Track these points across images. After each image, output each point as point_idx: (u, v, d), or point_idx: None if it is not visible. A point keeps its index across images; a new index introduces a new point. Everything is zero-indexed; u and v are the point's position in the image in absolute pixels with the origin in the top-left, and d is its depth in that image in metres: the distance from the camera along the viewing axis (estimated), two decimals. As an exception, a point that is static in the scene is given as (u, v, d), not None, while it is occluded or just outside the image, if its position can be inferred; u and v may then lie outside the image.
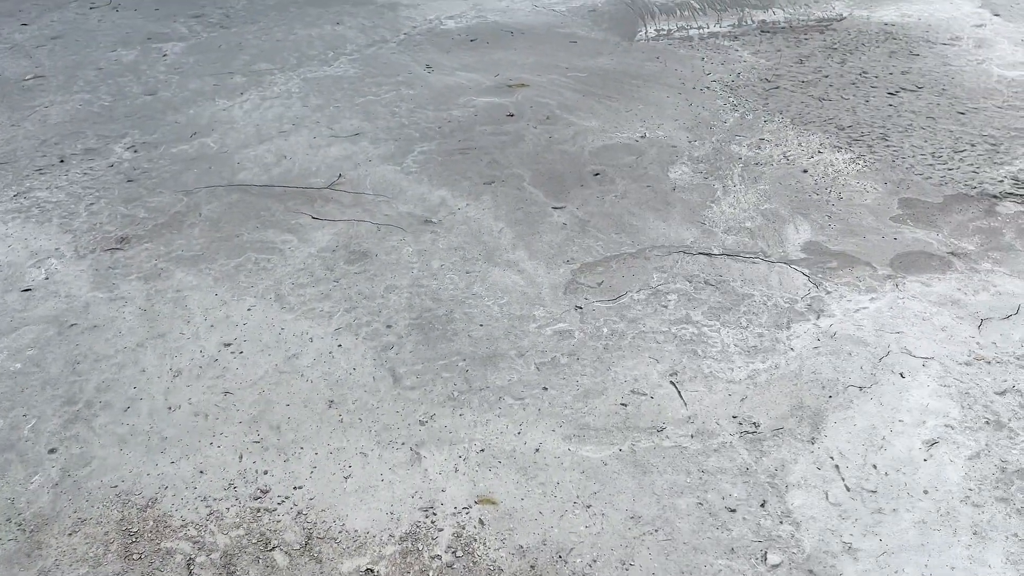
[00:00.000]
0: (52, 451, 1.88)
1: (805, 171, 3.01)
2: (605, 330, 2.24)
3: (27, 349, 2.18)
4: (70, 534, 1.69)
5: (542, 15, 4.54)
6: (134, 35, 4.28)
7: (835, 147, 3.17)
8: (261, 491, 1.78)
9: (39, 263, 2.53)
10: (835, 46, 4.15)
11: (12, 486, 1.79)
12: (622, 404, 2.00)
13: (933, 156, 3.08)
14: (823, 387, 2.04)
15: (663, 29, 4.32)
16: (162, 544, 1.66)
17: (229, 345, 2.19)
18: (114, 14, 4.56)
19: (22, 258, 2.55)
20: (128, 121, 3.40)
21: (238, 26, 4.40)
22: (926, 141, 3.19)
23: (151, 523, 1.71)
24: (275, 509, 1.74)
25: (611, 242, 2.62)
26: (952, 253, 2.54)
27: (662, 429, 1.93)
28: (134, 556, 1.64)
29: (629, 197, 2.85)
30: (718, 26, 4.36)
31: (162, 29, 4.37)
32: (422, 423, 1.95)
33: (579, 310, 2.32)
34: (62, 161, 3.10)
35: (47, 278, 2.46)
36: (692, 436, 1.91)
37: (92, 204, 2.83)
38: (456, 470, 1.83)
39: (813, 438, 1.90)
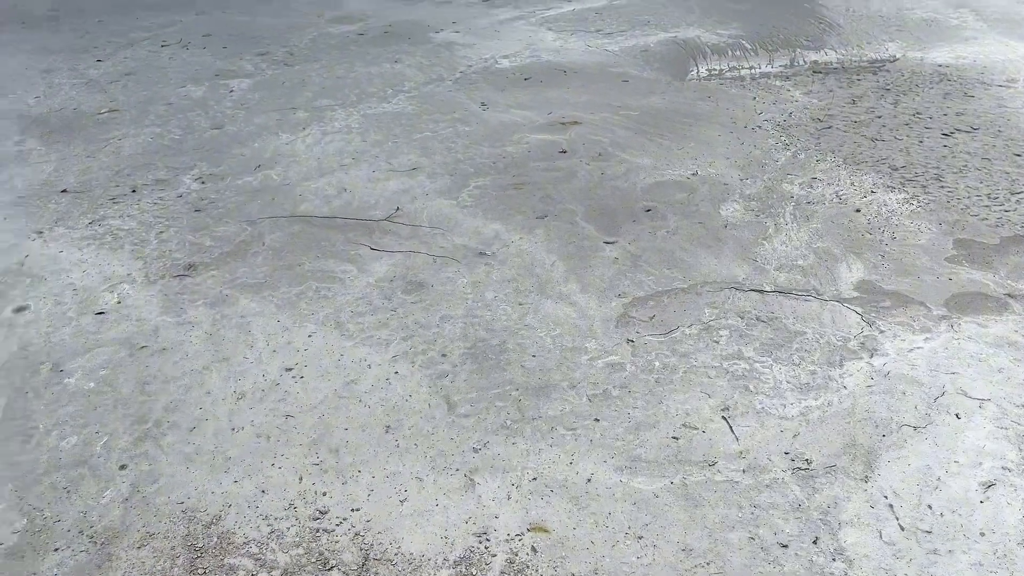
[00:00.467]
0: (123, 467, 1.96)
1: (858, 210, 3.01)
2: (657, 364, 2.27)
3: (100, 369, 2.28)
4: (139, 547, 1.76)
5: (595, 55, 4.63)
6: (203, 72, 4.47)
7: (888, 187, 3.17)
8: (320, 512, 1.84)
9: (112, 288, 2.64)
10: (888, 87, 4.16)
11: (85, 500, 1.87)
12: (674, 437, 2.02)
13: (989, 197, 3.06)
14: (876, 426, 2.04)
15: (714, 69, 4.37)
16: (225, 560, 1.72)
17: (290, 370, 2.27)
18: (184, 52, 4.77)
19: (96, 282, 2.67)
20: (196, 154, 3.55)
21: (301, 64, 4.56)
22: (981, 182, 3.17)
23: (215, 539, 1.77)
24: (333, 530, 1.79)
25: (662, 277, 2.65)
26: (1009, 295, 2.52)
27: (714, 463, 1.94)
28: (199, 571, 1.70)
29: (680, 233, 2.89)
30: (770, 66, 4.40)
31: (229, 66, 4.55)
32: (476, 450, 2.00)
33: (631, 343, 2.35)
34: (134, 191, 3.24)
35: (119, 302, 2.57)
36: (744, 471, 1.92)
37: (162, 232, 2.95)
38: (509, 497, 1.86)
39: (866, 476, 1.90)
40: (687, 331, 2.40)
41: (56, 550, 1.75)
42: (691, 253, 2.77)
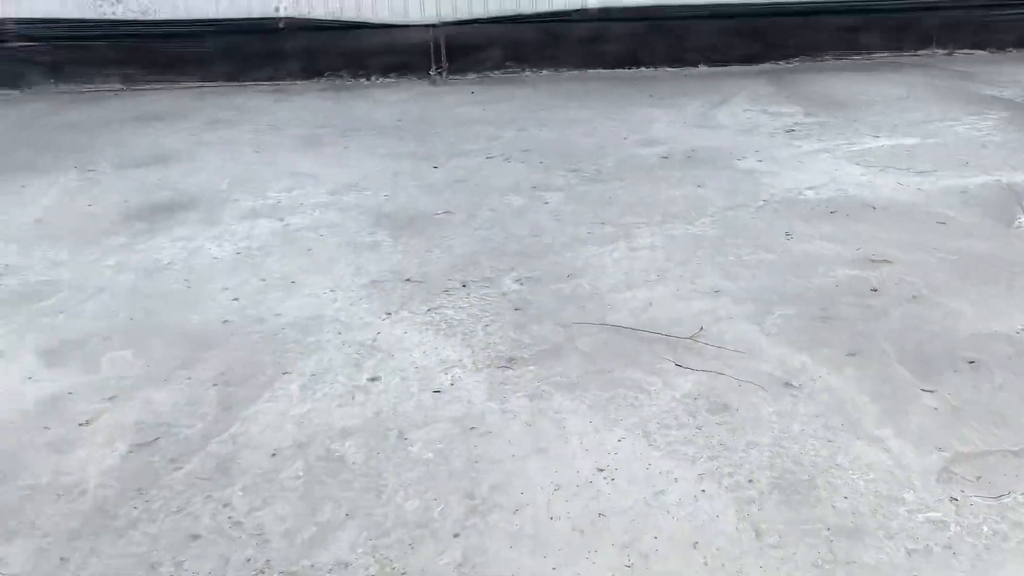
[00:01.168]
0: (456, 536, 2.20)
1: None
2: (985, 528, 2.14)
3: (437, 443, 2.59)
4: (470, 611, 1.95)
5: (906, 192, 4.53)
6: (522, 183, 4.96)
7: None
8: (632, 613, 1.93)
9: (446, 370, 2.99)
10: None
11: (425, 558, 2.12)
12: (1008, 612, 1.89)
13: None
14: None
15: (1046, 217, 4.09)
16: (545, 640, 1.87)
17: (602, 471, 2.42)
18: (506, 164, 5.33)
19: (433, 363, 3.04)
20: (516, 257, 3.94)
21: (608, 182, 4.92)
22: None
23: (536, 619, 1.92)
24: (644, 634, 1.87)
25: (989, 435, 2.50)
26: None
27: (1057, 650, 1.79)
28: (522, 645, 1.85)
29: (1010, 391, 2.71)
30: (1114, 218, 4.04)
31: (544, 179, 5.01)
32: (786, 584, 2.00)
33: (954, 502, 2.24)
34: (464, 286, 3.66)
35: (452, 384, 2.90)
36: (1095, 667, 1.75)
37: (487, 326, 3.30)
38: (822, 639, 1.84)
39: None
40: (1020, 498, 2.24)
41: (402, 598, 2.00)
42: (1023, 415, 2.59)
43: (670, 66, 7.87)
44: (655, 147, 5.58)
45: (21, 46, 7.84)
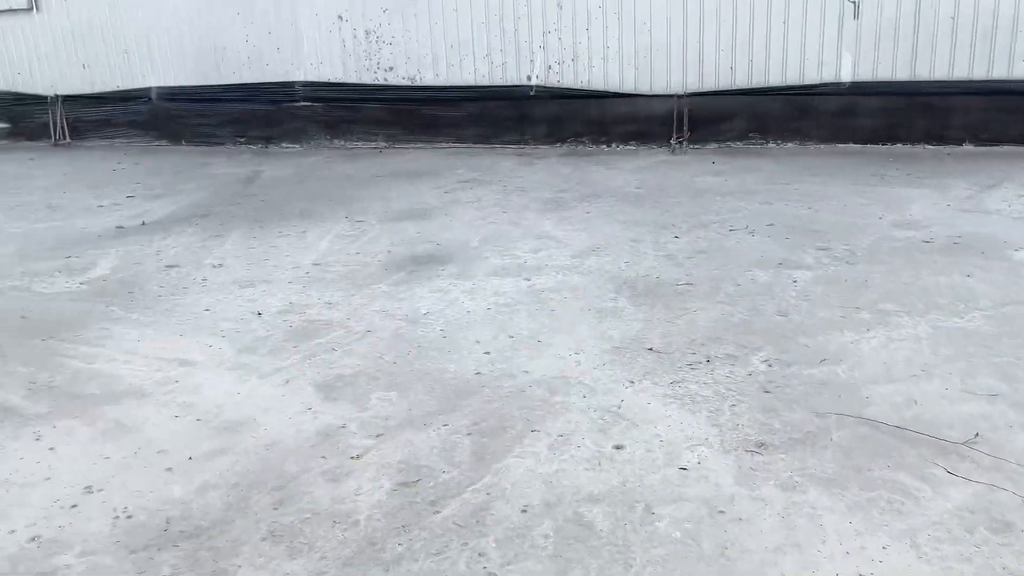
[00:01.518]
0: (707, 622, 2.14)
1: None
2: None
3: (684, 522, 2.55)
4: None
5: None
6: (767, 259, 4.84)
7: None
8: None
9: (692, 447, 2.95)
10: None
11: (675, 641, 2.09)
12: None
13: None
14: None
15: None
16: None
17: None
18: (750, 238, 5.23)
19: (679, 438, 3.01)
20: (763, 336, 3.83)
21: (863, 264, 4.67)
22: None
23: None
24: None
25: None
26: None
27: None
28: None
29: None
30: None
31: (791, 256, 4.86)
32: None
33: None
34: (708, 361, 3.61)
35: (699, 463, 2.86)
36: None
37: (734, 406, 3.22)
38: None
39: None
40: None
41: None
42: None
43: (929, 143, 7.40)
44: (915, 230, 5.24)
45: (305, 106, 8.85)
